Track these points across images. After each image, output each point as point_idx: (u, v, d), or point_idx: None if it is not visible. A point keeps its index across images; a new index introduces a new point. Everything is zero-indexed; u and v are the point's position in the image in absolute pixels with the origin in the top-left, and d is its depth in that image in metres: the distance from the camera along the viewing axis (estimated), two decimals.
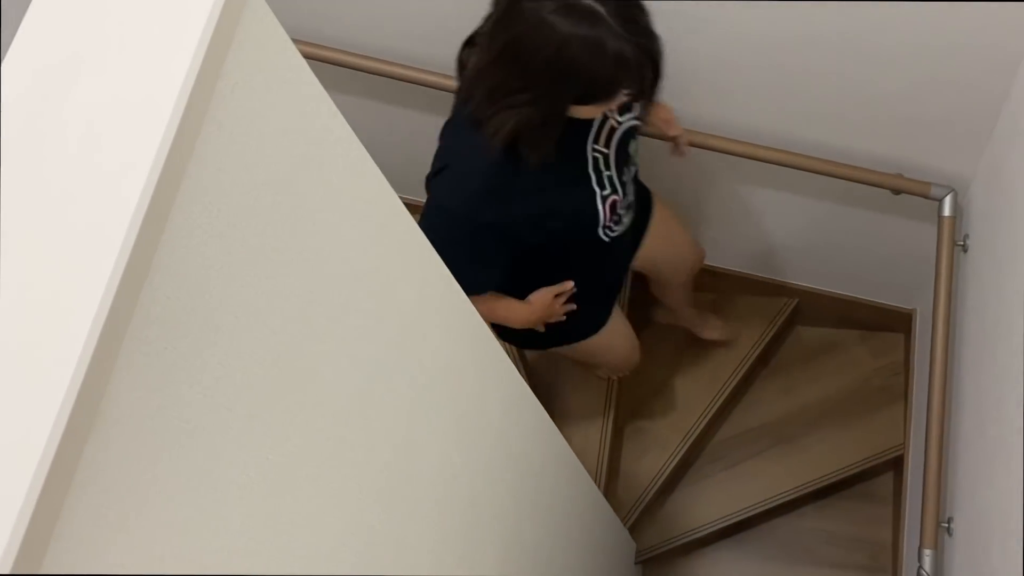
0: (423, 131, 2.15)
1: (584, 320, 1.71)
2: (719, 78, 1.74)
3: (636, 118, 1.46)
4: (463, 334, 1.06)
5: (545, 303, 1.56)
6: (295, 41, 0.66)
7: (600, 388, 2.40)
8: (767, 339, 2.54)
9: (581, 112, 1.26)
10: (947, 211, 1.81)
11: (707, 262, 2.55)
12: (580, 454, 2.32)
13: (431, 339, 0.94)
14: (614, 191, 1.41)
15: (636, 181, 1.59)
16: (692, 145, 1.77)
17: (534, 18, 1.09)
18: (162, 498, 0.54)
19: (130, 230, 0.48)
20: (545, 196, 1.33)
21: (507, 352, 2.28)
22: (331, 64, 1.83)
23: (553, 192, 1.34)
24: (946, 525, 1.75)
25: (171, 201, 0.52)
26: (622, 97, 1.20)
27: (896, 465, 2.44)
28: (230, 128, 0.57)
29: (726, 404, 2.53)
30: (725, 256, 2.47)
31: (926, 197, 1.81)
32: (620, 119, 1.42)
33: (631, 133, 1.46)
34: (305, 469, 0.70)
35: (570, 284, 1.57)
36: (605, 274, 1.69)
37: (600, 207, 1.40)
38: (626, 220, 1.52)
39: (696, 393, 2.52)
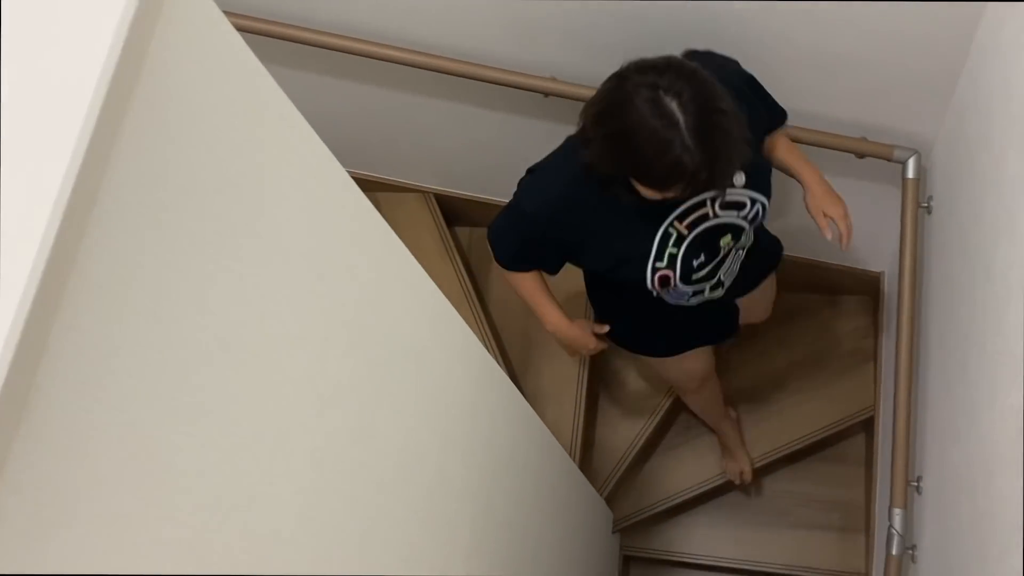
0: (373, 105, 2.12)
1: (641, 339, 1.81)
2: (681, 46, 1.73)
3: (745, 217, 1.47)
4: (425, 312, 1.05)
5: (581, 332, 1.69)
6: (230, 14, 0.63)
7: (572, 361, 2.40)
8: None
9: (640, 190, 1.28)
10: (911, 173, 1.81)
11: None
12: (554, 427, 2.32)
13: (389, 317, 0.93)
14: (670, 267, 1.45)
15: (750, 259, 1.62)
16: None
17: (626, 94, 1.16)
18: (103, 492, 0.53)
19: (53, 216, 0.46)
20: (603, 232, 1.39)
21: (477, 329, 2.28)
22: (271, 37, 1.79)
23: (612, 234, 1.40)
24: (915, 484, 1.78)
25: (97, 186, 0.50)
26: (674, 194, 1.24)
27: (868, 427, 2.46)
28: (161, 108, 0.55)
29: None
30: None
31: (889, 160, 1.82)
32: (719, 212, 1.44)
33: (730, 229, 1.48)
34: (258, 454, 0.69)
35: (606, 328, 1.70)
36: (671, 314, 1.67)
37: (648, 273, 1.44)
38: (709, 294, 1.57)
39: None
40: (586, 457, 2.41)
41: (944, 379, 1.68)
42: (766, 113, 1.56)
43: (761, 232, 1.51)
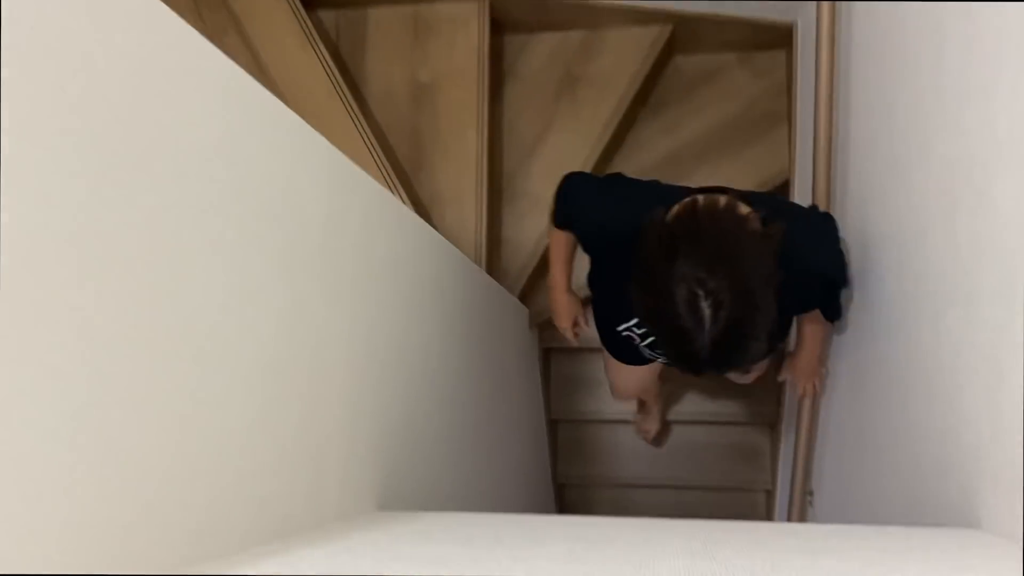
0: None
1: (600, 328, 1.81)
2: None
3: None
4: (234, 109, 0.82)
5: (564, 309, 1.82)
6: None
7: (471, 159, 2.19)
8: (644, 73, 2.34)
9: None
10: None
11: None
12: (456, 229, 2.15)
13: (174, 119, 0.70)
14: (641, 337, 1.58)
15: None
16: None
17: (671, 278, 1.14)
18: None
19: None
20: (623, 278, 1.30)
21: (354, 127, 2.02)
22: None
23: (624, 284, 1.31)
24: None
25: None
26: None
27: (784, 190, 2.36)
28: None
29: (608, 151, 2.36)
30: None
31: None
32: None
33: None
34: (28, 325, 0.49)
35: (578, 333, 1.86)
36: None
37: (622, 326, 1.58)
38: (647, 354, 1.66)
39: (574, 144, 2.34)
40: (495, 256, 2.26)
41: (868, 131, 1.53)
42: (820, 305, 1.56)
43: None
